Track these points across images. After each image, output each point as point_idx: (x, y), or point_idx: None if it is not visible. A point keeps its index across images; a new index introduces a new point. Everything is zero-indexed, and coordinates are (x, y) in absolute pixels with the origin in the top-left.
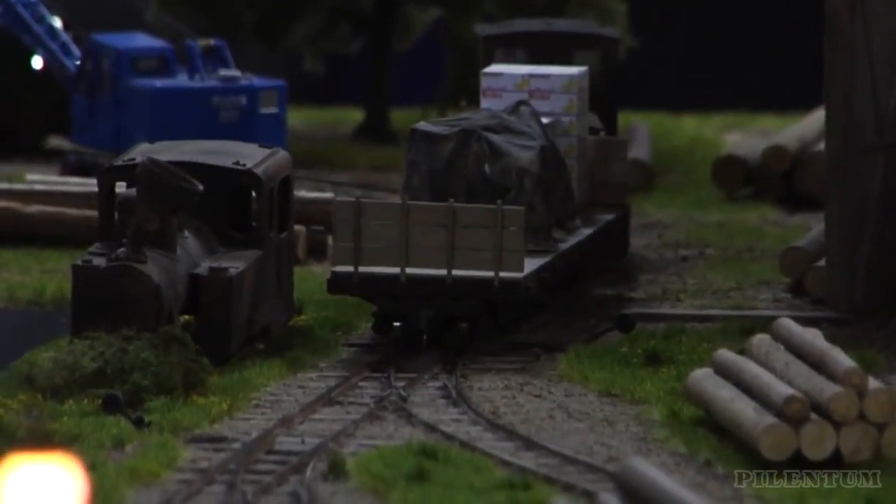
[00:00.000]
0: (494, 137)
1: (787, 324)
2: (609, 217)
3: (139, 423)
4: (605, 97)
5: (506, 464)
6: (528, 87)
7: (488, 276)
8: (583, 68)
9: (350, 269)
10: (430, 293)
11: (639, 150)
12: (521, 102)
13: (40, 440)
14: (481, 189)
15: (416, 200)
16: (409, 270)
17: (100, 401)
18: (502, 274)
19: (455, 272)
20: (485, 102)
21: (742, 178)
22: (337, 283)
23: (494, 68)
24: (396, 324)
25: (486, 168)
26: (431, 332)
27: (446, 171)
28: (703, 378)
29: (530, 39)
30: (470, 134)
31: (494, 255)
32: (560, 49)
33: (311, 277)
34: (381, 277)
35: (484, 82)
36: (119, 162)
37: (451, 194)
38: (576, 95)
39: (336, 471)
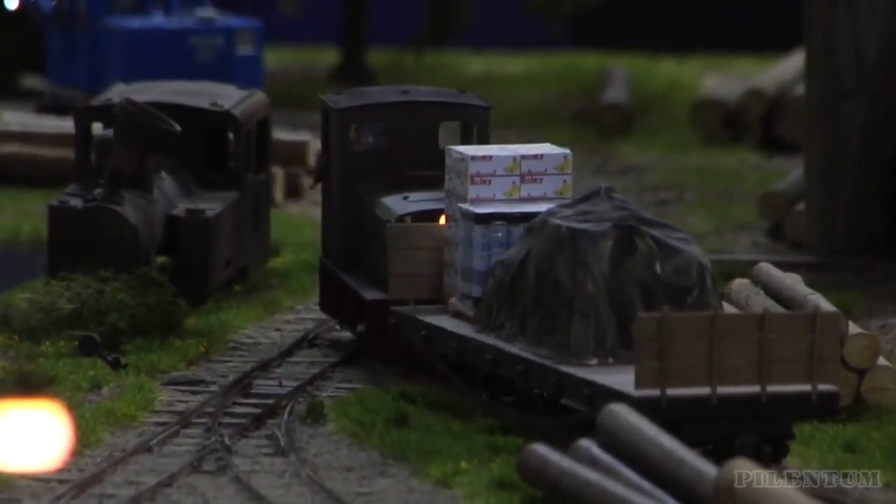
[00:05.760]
0: (655, 232)
1: (767, 268)
2: None
3: (116, 364)
4: None
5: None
6: (519, 169)
7: (804, 391)
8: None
9: (656, 393)
10: (743, 414)
11: (616, 93)
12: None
13: (31, 386)
14: (657, 291)
15: (591, 308)
16: (719, 390)
17: (76, 342)
18: (820, 387)
19: (769, 388)
20: (472, 191)
21: (720, 122)
22: (641, 410)
23: (482, 150)
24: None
25: (658, 268)
26: (758, 459)
27: (612, 274)
28: None
29: (392, 111)
30: (630, 230)
31: (810, 367)
32: (425, 120)
33: (287, 219)
34: (689, 400)
35: (472, 168)
36: (96, 102)
37: (626, 299)
38: (570, 177)
39: (314, 414)
